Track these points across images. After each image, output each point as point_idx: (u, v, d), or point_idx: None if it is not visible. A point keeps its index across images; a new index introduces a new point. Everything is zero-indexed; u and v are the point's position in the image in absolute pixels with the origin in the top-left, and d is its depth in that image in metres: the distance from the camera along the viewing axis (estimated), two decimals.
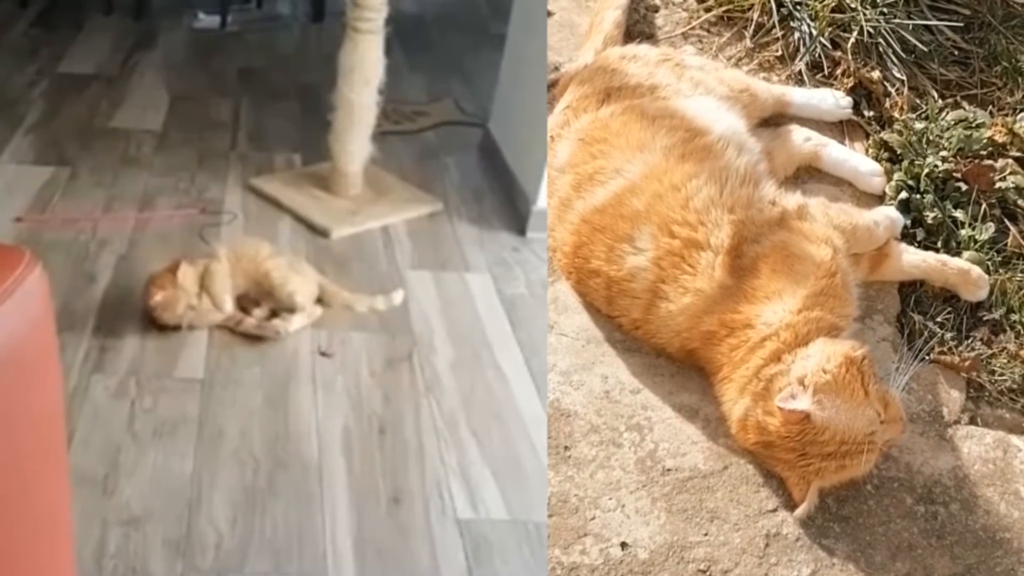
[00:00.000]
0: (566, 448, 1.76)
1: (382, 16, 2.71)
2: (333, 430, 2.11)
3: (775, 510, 1.70)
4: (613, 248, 1.80)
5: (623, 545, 1.67)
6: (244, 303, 2.40)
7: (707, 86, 2.00)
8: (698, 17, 2.24)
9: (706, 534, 1.68)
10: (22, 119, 3.24)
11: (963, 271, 1.92)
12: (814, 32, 2.15)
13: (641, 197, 1.80)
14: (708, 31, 2.25)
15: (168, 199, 2.89)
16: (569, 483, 1.72)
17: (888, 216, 1.94)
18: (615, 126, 1.89)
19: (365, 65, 2.75)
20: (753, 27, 2.21)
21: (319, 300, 2.46)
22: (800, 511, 1.67)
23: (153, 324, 2.32)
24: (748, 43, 2.21)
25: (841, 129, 2.13)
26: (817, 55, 2.15)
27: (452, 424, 2.16)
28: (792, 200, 1.84)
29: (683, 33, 2.23)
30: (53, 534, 1.14)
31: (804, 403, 1.61)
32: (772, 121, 2.10)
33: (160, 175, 3.01)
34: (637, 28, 2.22)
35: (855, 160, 2.05)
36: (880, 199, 2.03)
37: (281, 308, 2.39)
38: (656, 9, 2.26)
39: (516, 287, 2.66)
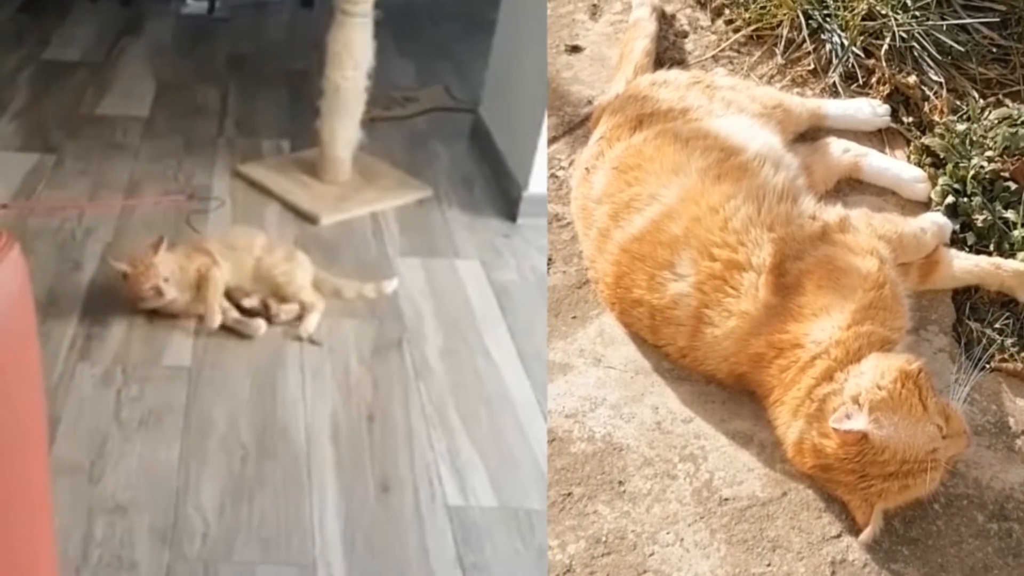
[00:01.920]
0: (620, 483, 1.70)
1: None
2: (321, 418, 2.10)
3: (839, 536, 1.64)
4: (654, 276, 1.76)
5: None
6: (235, 295, 2.38)
7: (739, 105, 1.96)
8: (727, 39, 2.21)
9: (769, 564, 1.62)
10: (7, 106, 3.21)
11: (1019, 273, 1.85)
12: (846, 42, 2.11)
13: (679, 222, 1.76)
14: (738, 51, 2.21)
15: (155, 186, 2.87)
16: (625, 519, 1.66)
17: (935, 222, 1.87)
18: (648, 151, 1.86)
19: (354, 49, 2.73)
20: (783, 43, 2.17)
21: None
22: (865, 535, 1.60)
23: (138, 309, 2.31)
24: (779, 60, 2.17)
25: (880, 138, 2.09)
26: (850, 65, 2.10)
27: (442, 411, 2.15)
28: (833, 213, 1.79)
29: (713, 56, 2.19)
30: (33, 520, 1.12)
31: (860, 423, 1.56)
32: (809, 135, 2.06)
33: (147, 162, 2.99)
34: (667, 55, 2.19)
35: (897, 168, 2.00)
36: (926, 205, 1.97)
37: (286, 303, 2.36)
38: (685, 35, 2.23)
39: (506, 273, 2.65)
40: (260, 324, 2.31)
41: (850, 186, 2.02)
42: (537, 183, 2.76)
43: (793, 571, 1.62)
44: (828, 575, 1.61)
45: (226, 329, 2.31)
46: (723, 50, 2.21)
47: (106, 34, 3.84)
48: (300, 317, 2.35)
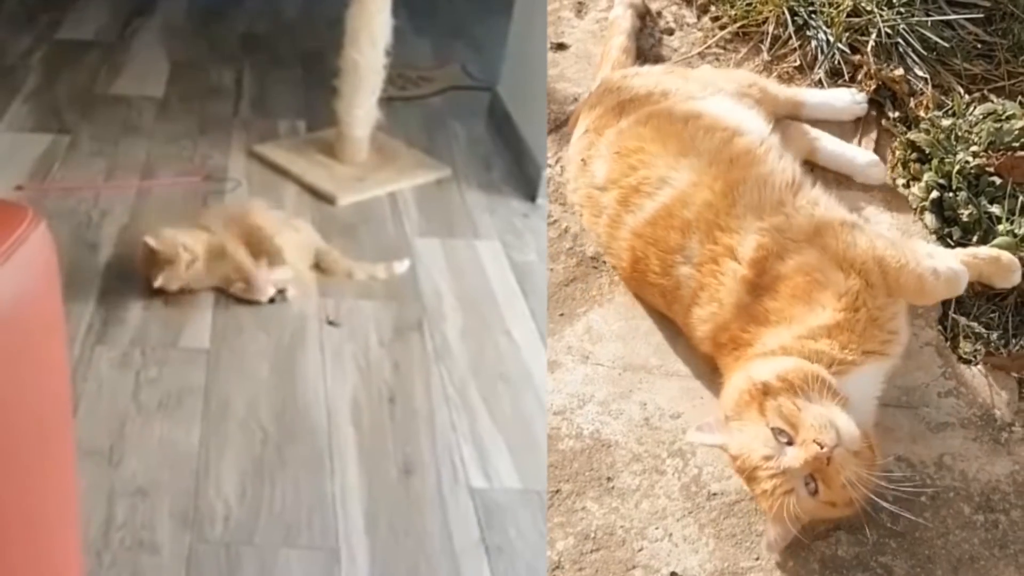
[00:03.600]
0: (609, 479, 1.71)
1: None
2: (342, 400, 2.08)
3: (828, 532, 1.64)
4: (665, 260, 1.75)
5: (673, 575, 1.63)
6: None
7: (716, 85, 1.95)
8: (713, 36, 2.21)
9: (758, 558, 1.63)
10: (21, 86, 3.19)
11: (993, 258, 1.82)
12: (831, 39, 2.12)
13: (691, 207, 1.74)
14: (724, 48, 2.21)
15: (170, 167, 2.85)
16: (614, 514, 1.67)
17: (953, 270, 1.70)
18: (647, 133, 1.83)
19: (373, 26, 2.69)
20: (769, 40, 2.17)
21: (317, 266, 2.43)
22: (770, 540, 1.59)
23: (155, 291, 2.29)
24: (765, 56, 2.17)
25: (858, 127, 2.09)
26: (836, 61, 2.11)
27: (463, 392, 2.12)
28: (838, 212, 1.73)
29: (700, 53, 2.19)
30: (59, 501, 1.11)
31: (713, 437, 1.57)
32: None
33: (162, 143, 2.96)
34: (653, 52, 2.19)
35: (851, 152, 1.99)
36: (881, 188, 1.98)
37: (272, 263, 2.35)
38: (671, 32, 2.23)
39: (526, 254, 2.62)
40: (268, 289, 2.30)
41: (844, 185, 2.00)
42: None
43: (783, 565, 1.62)
44: (816, 570, 1.61)
45: (252, 304, 2.31)
46: (709, 47, 2.21)
47: (119, 13, 3.81)
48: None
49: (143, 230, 2.41)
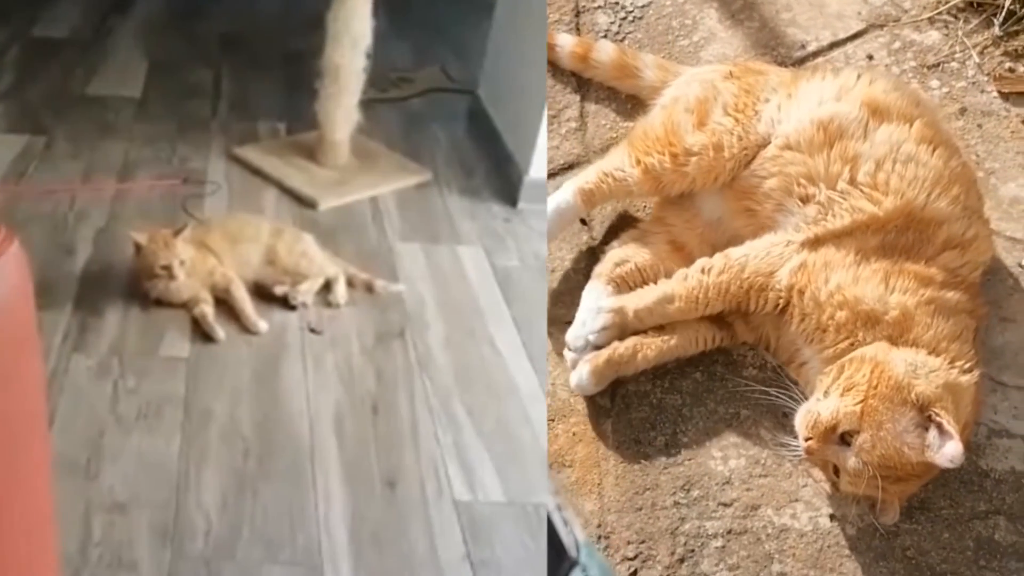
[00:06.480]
0: (784, 415, 1.79)
1: None
2: (324, 409, 2.05)
3: (987, 514, 1.70)
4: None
5: (832, 517, 1.73)
6: (260, 286, 2.34)
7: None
8: (946, 2, 2.19)
9: (915, 523, 1.72)
10: None
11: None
12: None
13: None
14: (955, 17, 2.20)
15: (149, 169, 2.80)
16: (785, 448, 1.77)
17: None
18: None
19: (354, 28, 2.66)
20: (1003, 14, 2.14)
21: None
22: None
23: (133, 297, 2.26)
24: (996, 31, 2.15)
25: None
26: None
27: (447, 402, 2.10)
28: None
29: (929, 18, 2.19)
30: (34, 516, 1.08)
31: None
32: None
33: (140, 144, 2.91)
34: (883, 10, 2.18)
35: None
36: None
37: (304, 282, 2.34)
38: None
39: (509, 259, 2.60)
40: (264, 324, 2.25)
41: None
42: (538, 168, 2.71)
43: (938, 536, 1.71)
44: (973, 548, 1.69)
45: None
46: (940, 13, 2.19)
47: (94, 11, 3.73)
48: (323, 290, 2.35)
49: (122, 234, 2.37)
